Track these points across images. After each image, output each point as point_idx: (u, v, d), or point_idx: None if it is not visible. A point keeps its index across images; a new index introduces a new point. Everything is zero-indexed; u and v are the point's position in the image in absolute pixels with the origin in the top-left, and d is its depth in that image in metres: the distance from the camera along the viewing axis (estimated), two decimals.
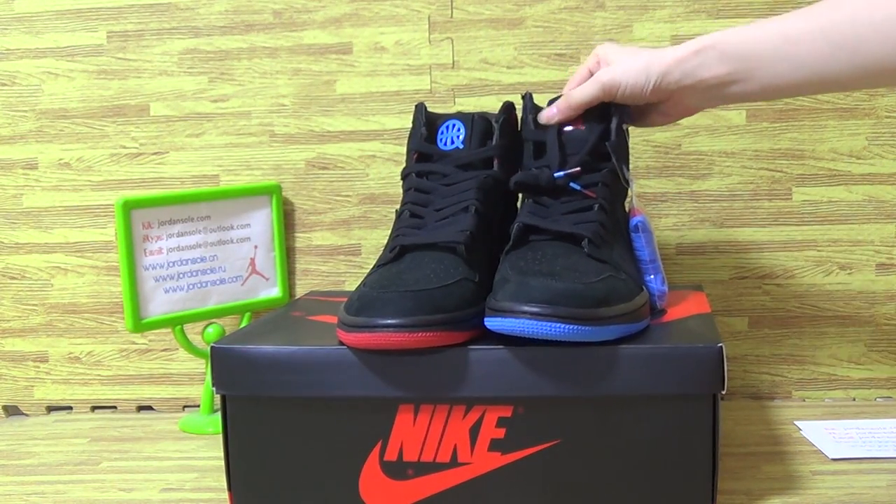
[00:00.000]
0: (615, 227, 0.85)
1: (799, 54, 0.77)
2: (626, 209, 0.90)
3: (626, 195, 0.89)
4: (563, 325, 0.73)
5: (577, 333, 0.74)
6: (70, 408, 1.19)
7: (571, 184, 0.84)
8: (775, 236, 1.10)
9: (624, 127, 0.88)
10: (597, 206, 0.84)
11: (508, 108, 0.91)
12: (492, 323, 0.75)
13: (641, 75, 0.83)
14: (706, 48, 0.81)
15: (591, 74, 0.88)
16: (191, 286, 1.08)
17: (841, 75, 0.77)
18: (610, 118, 0.87)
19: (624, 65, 0.84)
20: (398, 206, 0.89)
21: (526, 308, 0.73)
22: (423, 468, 0.80)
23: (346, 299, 0.81)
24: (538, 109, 0.89)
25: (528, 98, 0.90)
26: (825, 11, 0.76)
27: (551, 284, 0.74)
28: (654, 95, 0.84)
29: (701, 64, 0.81)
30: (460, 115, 0.90)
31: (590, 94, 0.85)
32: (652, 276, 0.87)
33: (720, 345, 0.76)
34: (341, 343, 0.78)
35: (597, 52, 0.89)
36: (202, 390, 1.12)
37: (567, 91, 0.88)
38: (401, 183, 0.91)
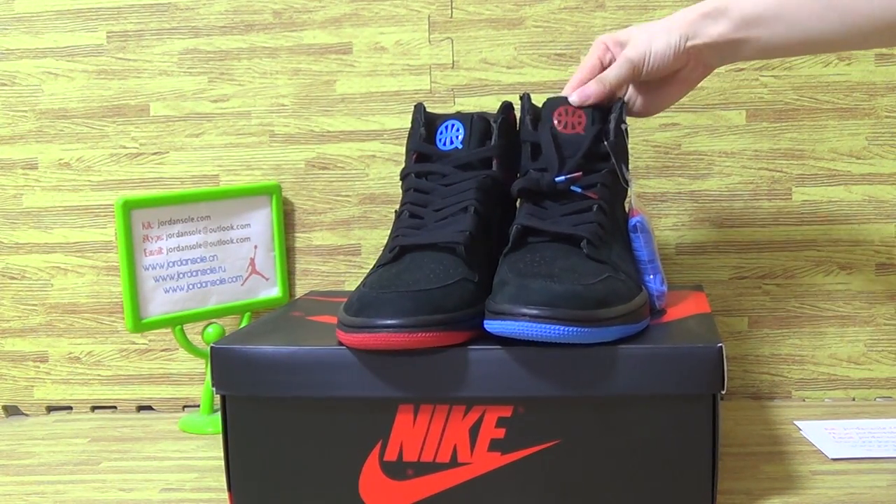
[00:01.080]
0: (614, 228, 0.85)
1: (793, 14, 0.81)
2: (626, 209, 0.90)
3: (625, 195, 0.89)
4: (562, 328, 0.73)
5: (576, 335, 0.74)
6: (70, 408, 1.19)
7: (573, 188, 0.84)
8: (775, 236, 1.10)
9: (623, 127, 0.88)
10: (595, 206, 0.83)
11: (507, 108, 0.91)
12: (491, 326, 0.75)
13: (662, 40, 0.86)
14: (713, 11, 0.85)
15: (601, 62, 0.90)
16: (191, 286, 1.08)
17: (833, 35, 0.80)
18: (608, 118, 0.87)
19: (644, 38, 0.87)
20: (398, 207, 0.89)
21: (525, 310, 0.73)
22: (422, 468, 0.80)
23: (345, 299, 0.81)
24: (536, 110, 0.88)
25: (525, 99, 0.90)
26: None
27: (550, 286, 0.74)
28: (676, 61, 0.87)
29: (710, 23, 0.85)
30: (459, 116, 0.90)
31: (623, 73, 0.87)
32: (651, 276, 0.87)
33: (720, 345, 0.76)
34: (341, 343, 0.78)
35: (603, 40, 0.91)
36: (202, 390, 1.12)
37: (570, 85, 0.89)
38: (400, 183, 0.91)
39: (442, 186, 0.87)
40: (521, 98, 0.90)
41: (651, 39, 0.87)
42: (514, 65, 1.11)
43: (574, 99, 0.87)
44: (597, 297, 0.75)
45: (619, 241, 0.85)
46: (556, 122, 0.87)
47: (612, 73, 0.88)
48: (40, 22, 1.16)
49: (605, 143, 0.86)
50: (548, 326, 0.73)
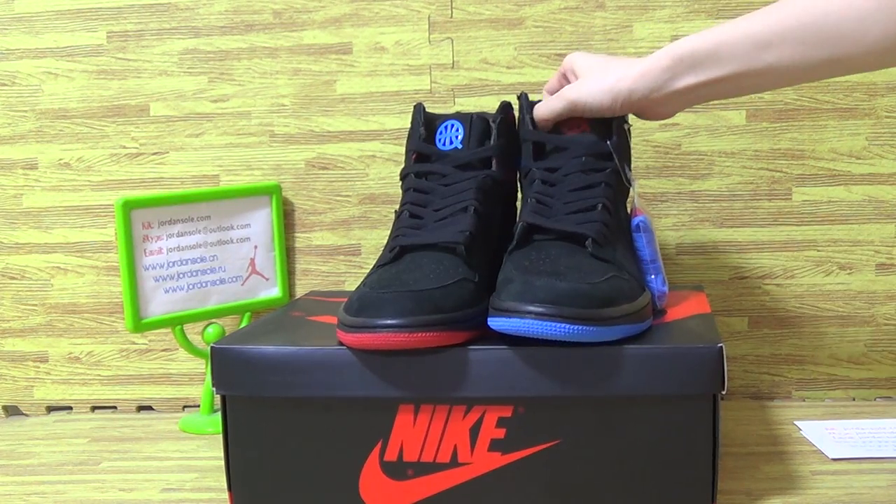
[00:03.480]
0: (618, 227, 0.85)
1: (772, 58, 0.78)
2: (628, 209, 0.90)
3: (627, 195, 0.89)
4: (567, 326, 0.73)
5: (581, 334, 0.74)
6: (70, 408, 1.19)
7: None
8: (775, 236, 1.10)
9: (625, 126, 0.88)
10: (600, 205, 0.83)
11: (506, 107, 0.91)
12: (495, 323, 0.75)
13: (607, 96, 0.83)
14: (676, 62, 0.80)
15: (561, 83, 0.89)
16: (191, 286, 1.08)
17: (817, 71, 0.78)
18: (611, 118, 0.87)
19: (590, 85, 0.84)
20: (398, 207, 0.89)
21: (531, 308, 0.73)
22: (423, 468, 0.80)
23: (345, 299, 0.81)
24: (533, 109, 0.89)
25: (523, 98, 0.90)
26: (791, 11, 0.77)
27: (556, 284, 0.74)
28: (624, 111, 0.84)
29: (672, 77, 0.81)
30: (459, 116, 0.90)
31: (557, 110, 0.86)
32: (653, 277, 0.87)
33: (720, 345, 0.76)
34: (341, 343, 0.78)
35: (565, 63, 0.89)
36: (202, 390, 1.12)
37: (544, 94, 0.90)
38: (400, 183, 0.91)
39: (442, 186, 0.87)
40: (519, 97, 0.90)
41: (591, 91, 0.83)
42: (514, 65, 1.11)
43: (536, 116, 0.87)
44: (602, 296, 0.75)
45: (622, 241, 0.85)
46: (562, 123, 0.87)
47: (545, 107, 0.86)
48: (40, 22, 1.16)
49: (609, 142, 0.86)
50: (553, 324, 0.73)
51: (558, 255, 0.79)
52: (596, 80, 0.84)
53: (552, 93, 0.90)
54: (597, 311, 0.74)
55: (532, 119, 0.88)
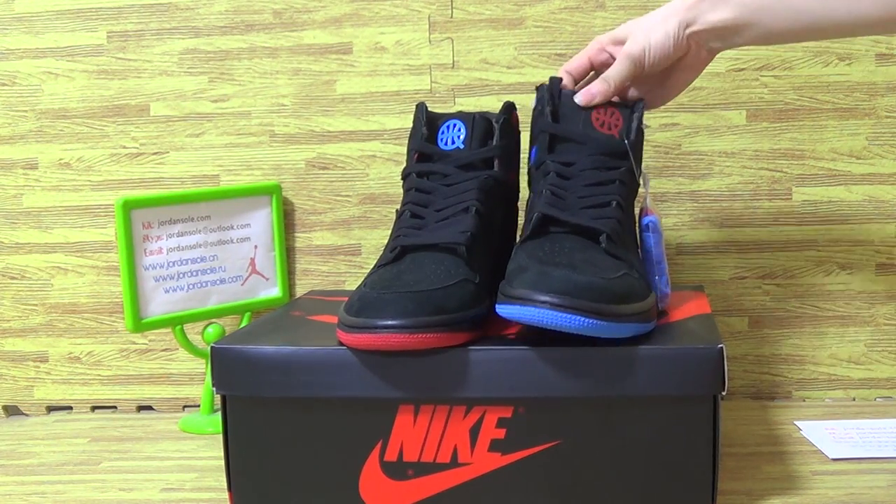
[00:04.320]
0: (629, 227, 0.85)
1: (799, 1, 0.80)
2: (639, 208, 0.90)
3: (636, 194, 0.89)
4: (583, 318, 0.73)
5: (595, 328, 0.73)
6: (70, 408, 1.19)
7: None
8: (775, 236, 1.10)
9: (643, 126, 0.88)
10: (614, 202, 0.83)
11: (509, 108, 0.91)
12: (506, 310, 0.74)
13: (660, 31, 0.85)
14: None
15: (590, 60, 0.90)
16: (191, 286, 1.08)
17: (839, 21, 0.80)
18: (631, 117, 0.87)
19: (642, 31, 0.86)
20: (398, 206, 0.89)
21: (546, 298, 0.72)
22: (423, 468, 0.80)
23: (346, 299, 0.81)
24: (553, 101, 0.87)
25: (543, 89, 0.88)
26: None
27: (573, 276, 0.74)
28: (677, 49, 0.86)
29: (709, 8, 0.84)
30: (461, 115, 0.90)
31: (625, 70, 0.87)
32: (657, 278, 0.87)
33: (720, 346, 0.76)
34: (341, 344, 0.78)
35: (599, 40, 0.90)
36: (202, 390, 1.12)
37: (563, 73, 0.90)
38: (401, 183, 0.91)
39: (443, 186, 0.87)
40: (539, 88, 0.88)
41: (649, 32, 0.86)
42: (515, 65, 1.11)
43: (579, 99, 0.87)
44: (617, 292, 0.75)
45: (631, 241, 0.86)
46: (594, 119, 0.86)
47: (614, 72, 0.87)
48: (40, 22, 1.15)
49: (626, 141, 0.86)
50: (567, 315, 0.72)
51: (573, 248, 0.79)
52: (644, 27, 0.86)
53: (576, 72, 0.90)
54: (612, 307, 0.74)
55: (552, 111, 0.87)
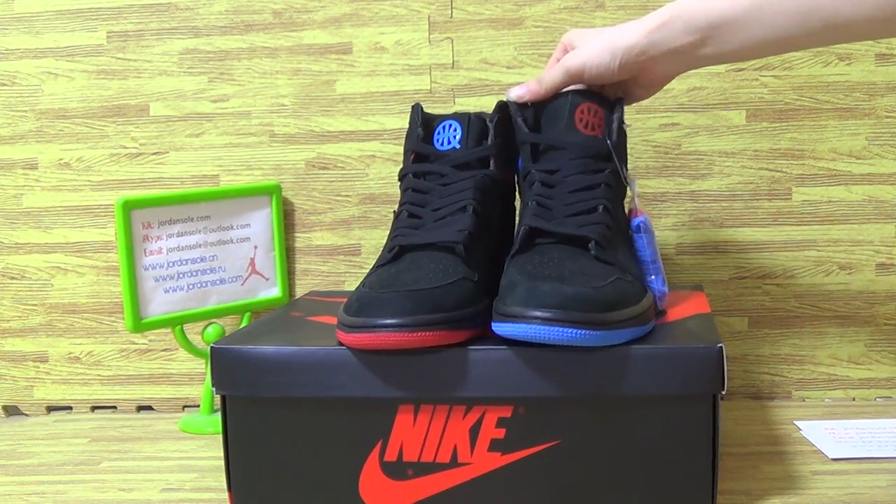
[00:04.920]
0: (618, 229, 0.85)
1: (768, 20, 0.77)
2: (627, 209, 0.90)
3: (625, 195, 0.89)
4: (573, 331, 0.73)
5: (587, 338, 0.73)
6: (70, 408, 1.19)
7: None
8: (775, 236, 1.10)
9: (625, 126, 0.88)
10: (601, 206, 0.83)
11: (502, 107, 0.90)
12: (501, 328, 0.75)
13: (606, 54, 0.83)
14: (672, 19, 0.80)
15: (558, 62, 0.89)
16: (191, 286, 1.08)
17: (813, 37, 0.77)
18: (612, 117, 0.86)
19: (588, 47, 0.84)
20: (397, 207, 0.89)
21: (537, 313, 0.73)
22: (423, 468, 0.80)
23: (345, 300, 0.81)
24: (522, 111, 0.87)
25: (512, 102, 0.89)
26: None
27: (561, 289, 0.74)
28: (623, 72, 0.84)
29: (667, 35, 0.81)
30: (456, 116, 0.90)
31: (556, 79, 0.86)
32: (653, 277, 0.87)
33: (720, 345, 0.76)
34: (341, 343, 0.78)
35: (562, 40, 0.89)
36: (202, 390, 1.12)
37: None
38: (399, 183, 0.91)
39: (440, 186, 0.87)
40: (507, 103, 0.89)
41: (590, 53, 0.84)
42: (514, 65, 1.11)
43: (511, 95, 0.87)
44: (607, 300, 0.75)
45: (623, 242, 0.85)
46: (578, 120, 0.86)
47: (548, 77, 0.86)
48: (40, 22, 1.16)
49: (609, 142, 0.86)
50: (559, 329, 0.72)
51: (562, 258, 0.79)
52: (594, 42, 0.84)
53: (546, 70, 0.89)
54: (602, 316, 0.74)
55: (524, 121, 0.87)
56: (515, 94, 0.88)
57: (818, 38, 0.77)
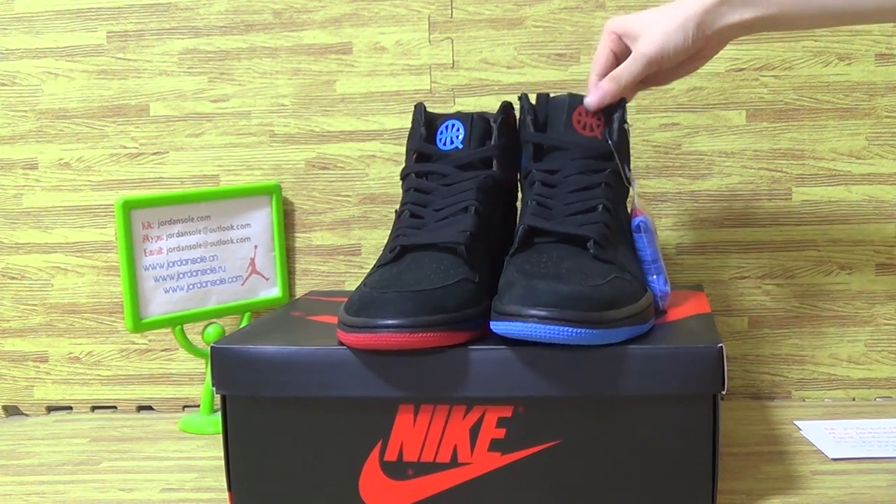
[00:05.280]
0: (619, 228, 0.85)
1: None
2: (629, 209, 0.90)
3: (627, 195, 0.89)
4: (570, 329, 0.73)
5: (584, 337, 0.73)
6: (70, 408, 1.19)
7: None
8: (775, 236, 1.10)
9: (626, 126, 0.88)
10: (601, 206, 0.83)
11: (506, 108, 0.91)
12: (498, 327, 0.75)
13: (679, 34, 0.84)
14: None
15: (615, 54, 0.88)
16: (191, 286, 1.08)
17: (867, 10, 0.79)
18: (612, 117, 0.86)
19: (659, 31, 0.84)
20: (398, 206, 0.89)
21: (533, 312, 0.73)
22: (423, 468, 0.80)
23: (345, 299, 0.81)
24: (534, 110, 0.88)
25: (524, 99, 0.89)
26: None
27: (558, 288, 0.74)
28: (694, 50, 0.85)
29: (728, 10, 0.83)
30: (459, 115, 0.90)
31: (639, 71, 0.85)
32: (654, 277, 0.87)
33: (720, 345, 0.76)
34: (341, 343, 0.78)
35: (613, 30, 0.88)
36: (202, 390, 1.12)
37: (594, 77, 0.88)
38: (400, 183, 0.91)
39: (442, 186, 0.87)
40: (520, 98, 0.89)
41: (666, 35, 0.84)
42: (514, 65, 1.11)
43: (590, 101, 0.86)
44: (604, 299, 0.75)
45: (623, 242, 0.85)
46: (575, 122, 0.86)
47: (626, 71, 0.86)
48: (40, 22, 1.15)
49: (610, 142, 0.86)
50: (556, 328, 0.72)
51: (560, 257, 0.79)
52: (661, 26, 0.84)
53: (602, 66, 0.88)
54: (599, 314, 0.74)
55: (533, 121, 0.87)
56: (594, 100, 0.86)
57: (874, 13, 0.80)
